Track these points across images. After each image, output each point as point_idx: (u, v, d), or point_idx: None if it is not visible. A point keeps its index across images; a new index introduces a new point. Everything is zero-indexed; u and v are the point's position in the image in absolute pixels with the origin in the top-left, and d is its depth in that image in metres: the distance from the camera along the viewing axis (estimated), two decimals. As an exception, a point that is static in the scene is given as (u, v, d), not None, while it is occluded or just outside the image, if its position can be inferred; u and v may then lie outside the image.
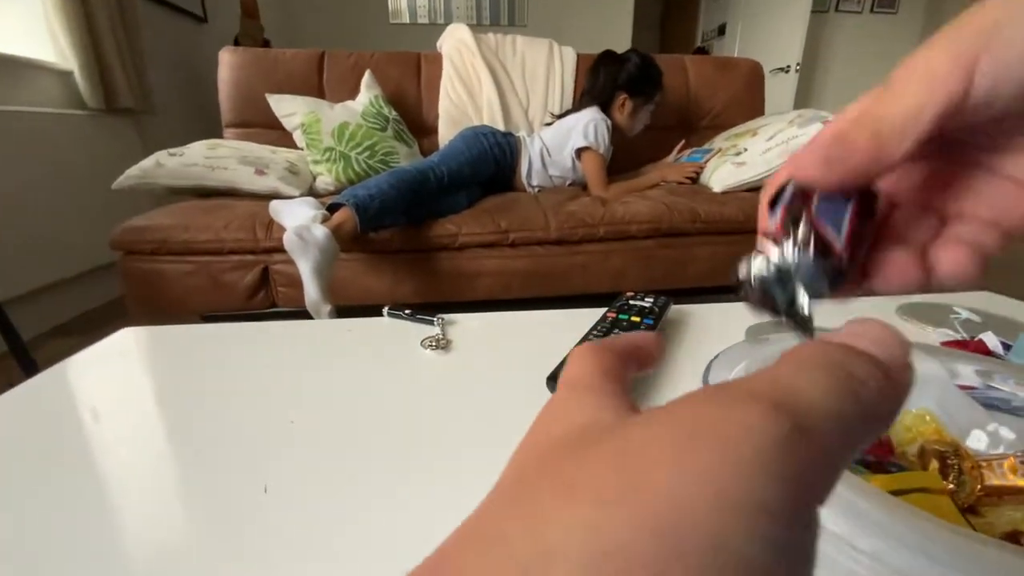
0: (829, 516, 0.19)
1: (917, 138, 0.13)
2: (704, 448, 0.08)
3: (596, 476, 0.08)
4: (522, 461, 0.11)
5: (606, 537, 0.07)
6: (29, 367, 1.13)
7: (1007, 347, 0.48)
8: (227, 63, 1.80)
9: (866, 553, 0.18)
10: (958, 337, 0.53)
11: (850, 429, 0.09)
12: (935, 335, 0.55)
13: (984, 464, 0.25)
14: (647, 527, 0.07)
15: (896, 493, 0.20)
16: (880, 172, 0.14)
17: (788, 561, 0.08)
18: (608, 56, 1.72)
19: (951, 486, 0.25)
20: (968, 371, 0.30)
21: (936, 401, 0.29)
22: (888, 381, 0.10)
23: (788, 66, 3.40)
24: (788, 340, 0.33)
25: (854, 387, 0.10)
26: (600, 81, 1.69)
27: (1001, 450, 0.27)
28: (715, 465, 0.08)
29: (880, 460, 0.25)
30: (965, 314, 0.58)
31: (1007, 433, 0.27)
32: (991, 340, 0.49)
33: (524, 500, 0.09)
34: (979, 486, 0.25)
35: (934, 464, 0.26)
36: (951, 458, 0.26)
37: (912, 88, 0.13)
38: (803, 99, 3.85)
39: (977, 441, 0.28)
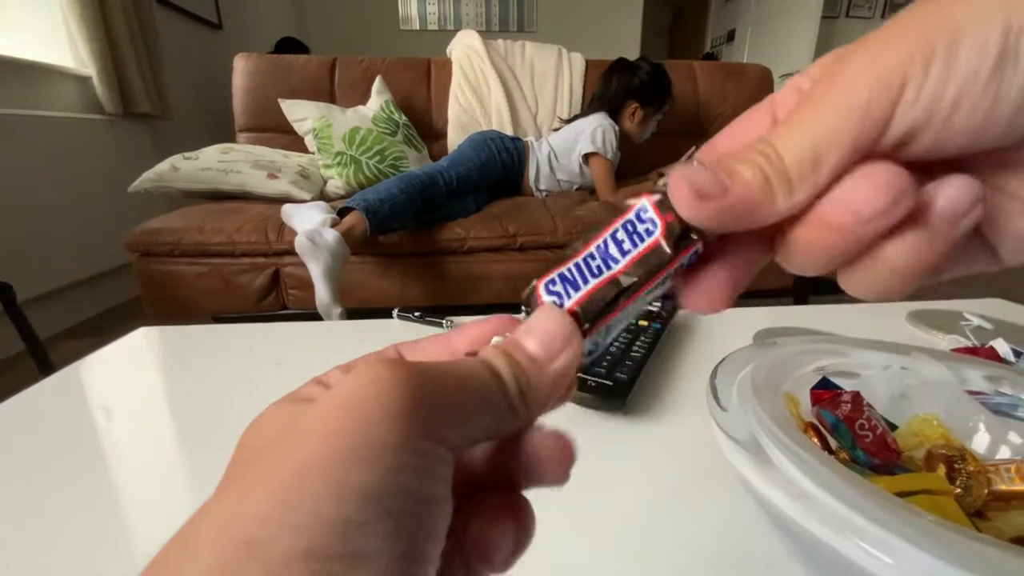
0: (836, 516, 0.20)
1: (815, 190, 0.11)
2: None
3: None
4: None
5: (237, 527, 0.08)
6: (45, 367, 1.16)
7: (1018, 354, 0.47)
8: (242, 69, 1.83)
9: (872, 552, 0.19)
10: (969, 344, 0.53)
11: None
12: (945, 342, 0.55)
13: (991, 469, 0.26)
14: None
15: (901, 495, 0.20)
16: (764, 223, 0.12)
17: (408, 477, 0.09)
18: (621, 64, 1.73)
19: (958, 490, 0.25)
20: (976, 376, 0.31)
21: (944, 406, 0.29)
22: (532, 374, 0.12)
23: (798, 71, 3.38)
24: (796, 344, 0.34)
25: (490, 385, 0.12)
26: (612, 88, 1.70)
27: (1009, 455, 0.27)
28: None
29: (886, 463, 0.25)
30: (976, 321, 0.58)
31: (1015, 438, 0.27)
32: (1002, 347, 0.49)
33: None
34: (986, 491, 0.25)
35: (941, 468, 0.26)
36: (958, 463, 0.26)
37: (819, 116, 0.11)
38: (813, 105, 3.83)
39: (984, 446, 0.28)
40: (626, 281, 0.13)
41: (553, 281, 0.14)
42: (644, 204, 0.13)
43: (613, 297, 0.13)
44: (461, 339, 0.15)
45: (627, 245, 0.14)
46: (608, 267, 0.14)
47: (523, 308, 0.15)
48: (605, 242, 0.14)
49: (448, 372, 0.11)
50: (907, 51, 0.10)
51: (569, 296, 0.14)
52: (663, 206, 0.13)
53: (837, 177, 0.11)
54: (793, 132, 0.11)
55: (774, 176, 0.11)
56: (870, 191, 0.11)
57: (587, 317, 0.14)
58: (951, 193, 0.11)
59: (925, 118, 0.10)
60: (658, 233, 0.13)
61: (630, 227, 0.14)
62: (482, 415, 0.11)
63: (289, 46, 2.60)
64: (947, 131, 0.10)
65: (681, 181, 0.12)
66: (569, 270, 0.14)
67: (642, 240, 0.13)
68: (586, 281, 0.14)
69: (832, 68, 0.12)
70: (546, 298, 0.14)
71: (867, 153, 0.11)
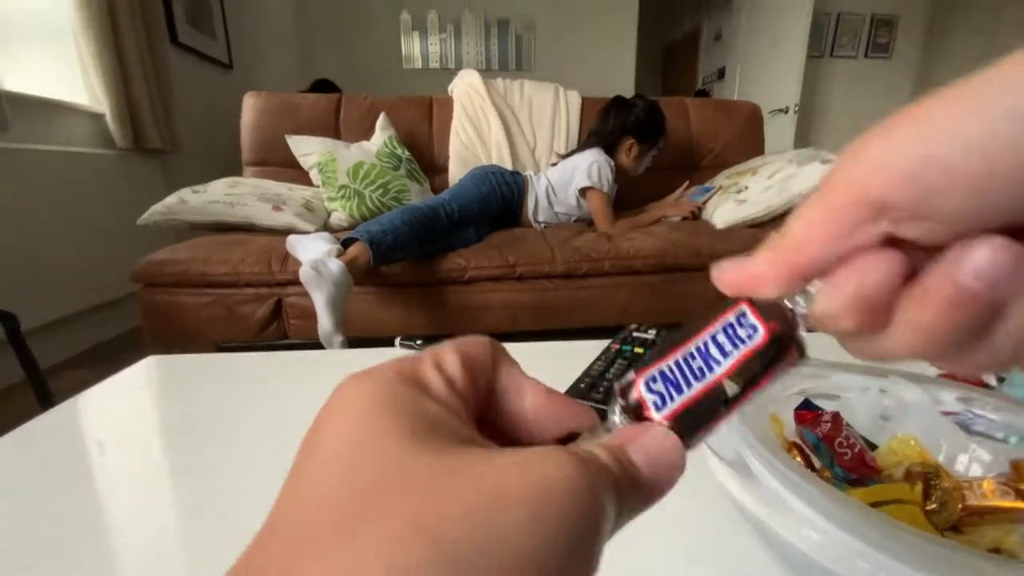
0: (816, 527, 0.21)
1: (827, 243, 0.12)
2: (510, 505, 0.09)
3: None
4: (297, 499, 0.11)
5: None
6: (45, 398, 1.16)
7: (1000, 379, 0.49)
8: (251, 106, 1.90)
9: (850, 560, 0.20)
10: (953, 370, 0.54)
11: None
12: (932, 367, 0.57)
13: (966, 485, 0.27)
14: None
15: (874, 504, 0.22)
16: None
17: None
18: (618, 101, 1.80)
19: (935, 506, 0.27)
20: (950, 398, 0.32)
21: (921, 427, 0.31)
22: (636, 496, 0.12)
23: (787, 107, 3.51)
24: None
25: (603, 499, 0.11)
26: (610, 124, 1.77)
27: (980, 472, 0.29)
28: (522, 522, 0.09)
29: (862, 479, 0.27)
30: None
31: (985, 455, 0.29)
32: (985, 372, 0.50)
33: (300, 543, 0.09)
34: (960, 506, 0.27)
35: (919, 485, 0.28)
36: (934, 480, 0.28)
37: (806, 229, 0.12)
38: (802, 139, 3.95)
39: (959, 464, 0.29)
40: (731, 389, 0.13)
41: (654, 379, 0.14)
42: (744, 309, 0.14)
43: (716, 405, 0.13)
44: (544, 407, 0.14)
45: (728, 347, 0.13)
46: (711, 369, 0.13)
47: (619, 400, 0.14)
48: (705, 342, 0.14)
49: (613, 477, 0.11)
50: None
51: (672, 399, 0.14)
52: (767, 314, 0.13)
53: (833, 249, 0.12)
54: (799, 209, 0.13)
55: (779, 246, 0.13)
56: (985, 252, 0.10)
57: (689, 424, 0.13)
58: None
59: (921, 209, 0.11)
60: (762, 336, 0.13)
61: (731, 331, 0.14)
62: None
63: (323, 86, 2.71)
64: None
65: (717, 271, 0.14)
66: (670, 368, 0.14)
67: (744, 343, 0.13)
68: (689, 384, 0.13)
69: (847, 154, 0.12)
70: (648, 396, 0.14)
71: (856, 229, 0.12)
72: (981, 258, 0.10)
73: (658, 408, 0.14)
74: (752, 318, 0.13)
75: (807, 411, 0.30)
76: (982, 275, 0.10)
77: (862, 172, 0.11)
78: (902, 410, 0.32)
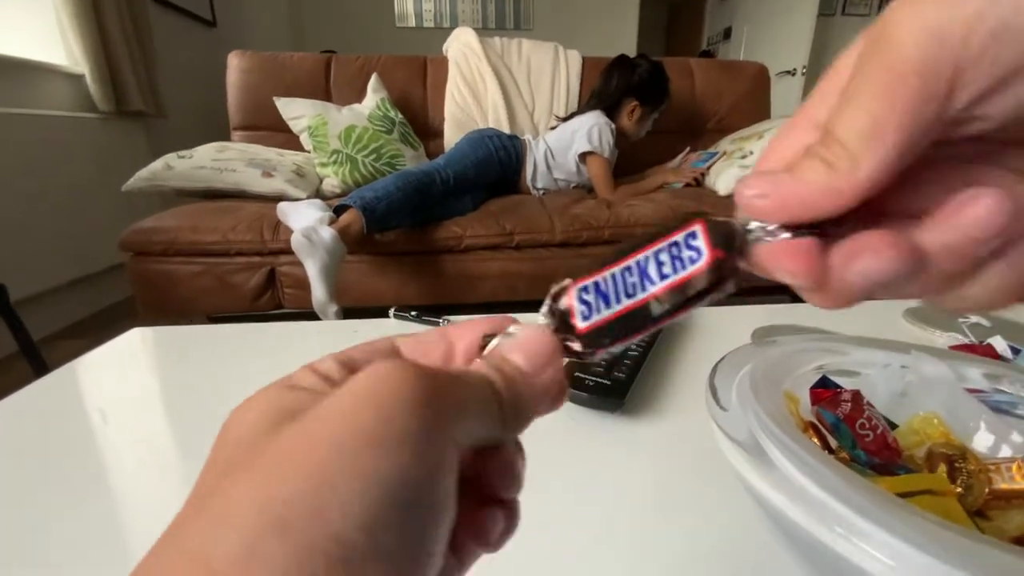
0: (837, 515, 0.19)
1: (883, 163, 0.10)
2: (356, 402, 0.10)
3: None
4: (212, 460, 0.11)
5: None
6: (39, 368, 1.15)
7: (1016, 351, 0.48)
8: (236, 67, 1.82)
9: (874, 554, 0.18)
10: (967, 341, 0.53)
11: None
12: (943, 339, 0.55)
13: (992, 467, 0.25)
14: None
15: (903, 495, 0.20)
16: (837, 208, 0.11)
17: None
18: (622, 61, 1.73)
19: (959, 490, 0.25)
20: (976, 375, 0.30)
21: (944, 404, 0.29)
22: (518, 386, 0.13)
23: (795, 69, 3.39)
24: (795, 343, 0.33)
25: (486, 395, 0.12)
26: (612, 85, 1.70)
27: (1009, 454, 0.27)
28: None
29: (887, 463, 0.25)
30: (973, 318, 0.58)
31: (1015, 436, 0.27)
32: (1000, 344, 0.49)
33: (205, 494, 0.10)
34: (987, 490, 0.25)
35: (942, 467, 0.26)
36: (959, 461, 0.26)
37: (869, 86, 0.10)
38: (810, 102, 3.83)
39: (985, 444, 0.28)
40: (656, 309, 0.13)
41: (587, 289, 0.14)
42: (696, 230, 0.13)
43: (639, 323, 0.13)
44: (457, 334, 0.15)
45: (667, 268, 0.13)
46: (643, 287, 0.13)
47: (549, 301, 0.15)
48: (647, 258, 0.14)
49: (452, 376, 0.12)
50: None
51: (599, 311, 0.14)
52: (715, 238, 0.13)
53: (907, 150, 0.10)
54: (845, 110, 0.11)
55: (832, 157, 0.11)
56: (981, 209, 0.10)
57: (611, 336, 0.14)
58: None
59: (999, 73, 0.09)
60: (702, 263, 0.13)
61: (675, 250, 0.13)
62: (481, 418, 0.12)
63: None
64: None
65: (741, 186, 0.12)
66: (605, 280, 0.14)
67: (683, 267, 0.13)
68: (619, 300, 0.14)
69: (878, 32, 0.11)
70: (577, 305, 0.14)
71: (936, 119, 0.10)
72: (992, 201, 0.10)
73: (584, 318, 0.14)
74: (701, 241, 0.13)
75: (824, 389, 0.28)
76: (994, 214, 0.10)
77: (923, 41, 0.10)
78: (924, 387, 0.30)
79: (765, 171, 0.12)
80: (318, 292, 1.14)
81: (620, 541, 0.29)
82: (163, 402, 0.46)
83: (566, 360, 0.14)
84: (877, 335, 0.35)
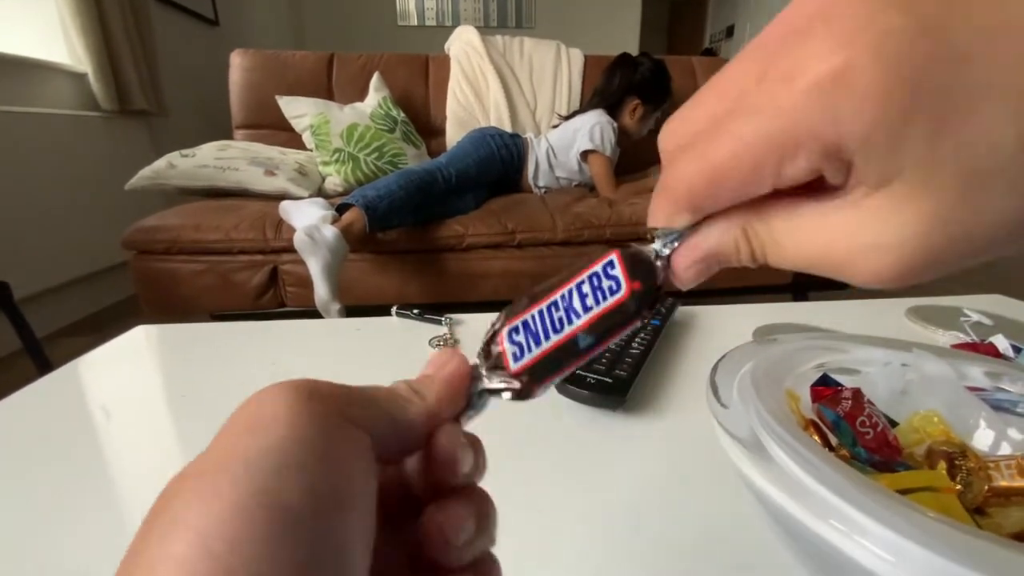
0: (837, 512, 0.20)
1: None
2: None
3: None
4: None
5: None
6: (43, 365, 1.15)
7: (1017, 350, 0.47)
8: (238, 65, 1.82)
9: (874, 550, 0.18)
10: (968, 339, 0.53)
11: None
12: (945, 338, 0.55)
13: (991, 465, 0.25)
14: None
15: (903, 492, 0.20)
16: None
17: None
18: (624, 59, 1.72)
19: (959, 487, 0.25)
20: (977, 373, 0.30)
21: (944, 402, 0.29)
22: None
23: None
24: (796, 341, 0.34)
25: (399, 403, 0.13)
26: (615, 83, 1.70)
27: (1009, 451, 0.27)
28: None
29: (887, 461, 0.25)
30: (975, 317, 0.58)
31: (1015, 434, 0.27)
32: (1001, 343, 0.49)
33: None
34: (986, 487, 0.25)
35: (942, 465, 0.26)
36: (958, 459, 0.26)
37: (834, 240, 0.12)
38: (812, 101, 3.82)
39: (985, 442, 0.28)
40: (584, 342, 0.14)
41: (516, 329, 0.15)
42: (612, 260, 0.14)
43: (569, 357, 0.14)
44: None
45: (590, 300, 0.14)
46: (570, 320, 0.14)
47: (483, 348, 0.15)
48: (570, 291, 0.14)
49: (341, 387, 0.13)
50: None
51: (529, 350, 0.14)
52: (633, 269, 0.14)
53: None
54: (804, 253, 0.12)
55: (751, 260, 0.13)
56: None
57: (543, 373, 0.14)
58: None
59: None
60: (622, 294, 0.13)
61: (595, 280, 0.14)
62: (383, 401, 0.13)
63: None
64: None
65: (683, 275, 0.14)
66: (533, 318, 0.14)
67: (605, 298, 0.14)
68: (547, 336, 0.14)
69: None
70: (508, 348, 0.15)
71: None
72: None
73: (516, 359, 0.14)
74: (618, 270, 0.14)
75: (825, 387, 0.29)
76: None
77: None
78: (924, 385, 0.30)
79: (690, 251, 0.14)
80: (321, 291, 1.14)
81: (621, 538, 0.29)
82: (166, 400, 0.46)
83: (507, 397, 0.15)
84: (878, 333, 0.35)
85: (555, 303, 0.14)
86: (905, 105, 0.09)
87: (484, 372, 0.15)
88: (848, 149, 0.10)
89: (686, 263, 0.14)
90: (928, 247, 0.10)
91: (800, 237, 0.12)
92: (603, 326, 0.14)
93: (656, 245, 0.14)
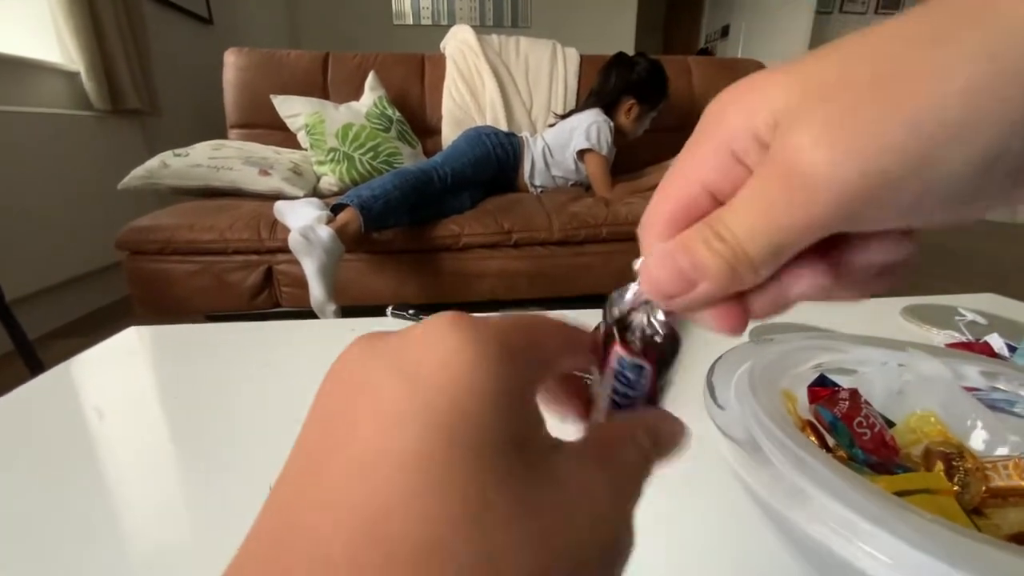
0: (835, 516, 0.19)
1: (777, 268, 0.12)
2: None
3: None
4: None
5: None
6: (35, 367, 1.14)
7: (1012, 349, 0.48)
8: (232, 64, 1.81)
9: (872, 552, 0.18)
10: (963, 339, 0.53)
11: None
12: (940, 337, 0.55)
13: (989, 466, 0.25)
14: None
15: (900, 494, 0.20)
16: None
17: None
18: (620, 59, 1.72)
19: (956, 488, 0.25)
20: (973, 372, 0.30)
21: (941, 402, 0.29)
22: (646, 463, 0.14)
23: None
24: (793, 341, 0.33)
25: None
26: (610, 83, 1.70)
27: (1006, 452, 0.27)
28: None
29: (884, 461, 0.25)
30: (970, 316, 0.58)
31: (1012, 435, 0.27)
32: (996, 342, 0.49)
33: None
34: (984, 488, 0.25)
35: (939, 465, 0.26)
36: (956, 460, 0.26)
37: (777, 213, 0.11)
38: (807, 100, 3.84)
39: (982, 442, 0.28)
40: (660, 380, 0.16)
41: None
42: (619, 354, 0.15)
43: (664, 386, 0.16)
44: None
45: (630, 390, 0.15)
46: (636, 389, 0.15)
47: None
48: (613, 387, 0.15)
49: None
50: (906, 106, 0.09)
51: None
52: (645, 352, 0.15)
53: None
54: (755, 227, 0.12)
55: (739, 265, 0.12)
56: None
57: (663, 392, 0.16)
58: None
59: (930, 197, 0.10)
60: (650, 371, 0.15)
61: (623, 379, 0.15)
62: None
63: None
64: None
65: (651, 289, 0.14)
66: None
67: (640, 383, 0.15)
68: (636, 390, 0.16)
69: (786, 139, 0.11)
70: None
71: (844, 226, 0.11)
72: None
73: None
74: (628, 359, 0.15)
75: (822, 387, 0.28)
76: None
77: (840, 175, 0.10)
78: (921, 385, 0.30)
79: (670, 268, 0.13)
80: (316, 291, 1.13)
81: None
82: (160, 401, 0.46)
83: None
84: (875, 333, 0.35)
85: (615, 389, 0.15)
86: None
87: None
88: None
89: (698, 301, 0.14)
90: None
91: (749, 221, 0.12)
92: (664, 376, 0.15)
93: (646, 314, 0.15)
